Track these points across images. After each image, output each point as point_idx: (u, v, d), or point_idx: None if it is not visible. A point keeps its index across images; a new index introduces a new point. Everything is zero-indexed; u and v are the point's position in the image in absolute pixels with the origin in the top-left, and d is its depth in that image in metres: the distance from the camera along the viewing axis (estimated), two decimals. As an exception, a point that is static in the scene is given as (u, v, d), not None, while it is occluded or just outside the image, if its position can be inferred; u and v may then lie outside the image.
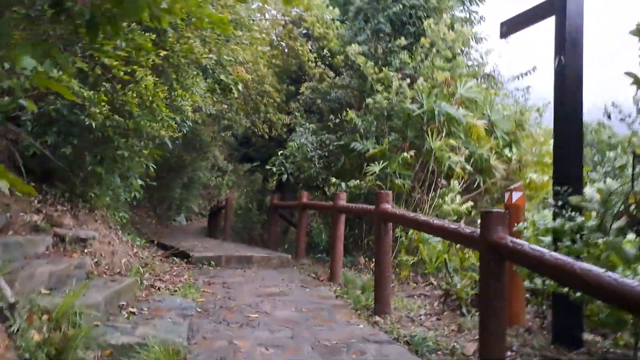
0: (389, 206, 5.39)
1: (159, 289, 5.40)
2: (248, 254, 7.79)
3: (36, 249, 4.68)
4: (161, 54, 6.15)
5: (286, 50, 14.26)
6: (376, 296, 5.20)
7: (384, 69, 8.94)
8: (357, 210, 6.57)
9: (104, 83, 5.46)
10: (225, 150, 18.68)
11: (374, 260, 5.85)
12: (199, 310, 4.71)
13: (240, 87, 7.69)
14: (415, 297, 6.06)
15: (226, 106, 12.90)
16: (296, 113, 12.43)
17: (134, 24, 6.08)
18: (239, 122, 13.15)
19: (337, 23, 13.50)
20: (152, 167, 7.56)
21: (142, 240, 8.18)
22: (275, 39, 13.71)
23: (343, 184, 8.28)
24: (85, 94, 5.29)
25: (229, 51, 7.88)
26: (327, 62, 12.91)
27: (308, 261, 8.52)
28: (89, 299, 3.86)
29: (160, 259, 7.46)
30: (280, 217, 11.27)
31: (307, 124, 10.61)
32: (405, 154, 7.86)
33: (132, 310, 4.34)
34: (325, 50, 13.14)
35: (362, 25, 9.94)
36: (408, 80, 8.27)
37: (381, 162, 8.00)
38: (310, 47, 14.34)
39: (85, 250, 5.11)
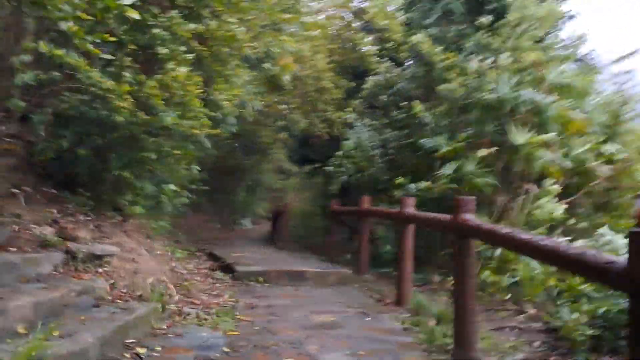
0: (471, 217, 4.07)
1: (187, 316, 4.40)
2: (301, 269, 6.68)
3: (38, 270, 3.81)
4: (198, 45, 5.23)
5: (346, 44, 13.13)
6: (456, 333, 3.90)
7: (454, 55, 7.55)
8: (428, 221, 5.25)
9: (123, 73, 4.56)
10: (285, 152, 17.82)
11: (452, 285, 4.55)
12: (226, 350, 3.62)
13: (288, 77, 6.58)
14: (507, 330, 4.66)
15: (285, 105, 11.96)
16: (354, 109, 11.25)
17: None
18: (296, 121, 12.15)
19: (401, 12, 12.19)
20: (197, 169, 6.68)
21: (185, 252, 7.33)
22: (334, 31, 12.59)
23: (412, 186, 6.96)
24: (108, 84, 4.42)
25: (278, 41, 6.84)
26: (390, 56, 11.64)
27: (371, 276, 7.28)
28: (74, 342, 2.88)
29: (204, 274, 6.54)
30: (341, 223, 10.11)
31: (365, 119, 9.38)
32: (484, 151, 6.43)
33: (139, 351, 3.33)
34: (389, 44, 11.89)
35: (430, 6, 8.57)
36: (489, 61, 6.82)
37: (456, 161, 6.62)
38: (372, 41, 13.15)
39: (100, 270, 4.21)
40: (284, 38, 6.57)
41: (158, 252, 5.80)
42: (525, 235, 3.31)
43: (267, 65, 6.45)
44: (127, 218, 5.57)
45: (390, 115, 9.16)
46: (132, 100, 4.57)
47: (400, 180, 6.95)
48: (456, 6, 8.06)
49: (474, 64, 6.79)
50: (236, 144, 15.27)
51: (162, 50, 4.67)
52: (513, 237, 3.39)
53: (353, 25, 13.10)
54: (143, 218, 6.30)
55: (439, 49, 7.76)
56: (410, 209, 5.71)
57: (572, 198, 6.84)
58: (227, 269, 6.79)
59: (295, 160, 16.22)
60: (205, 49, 5.26)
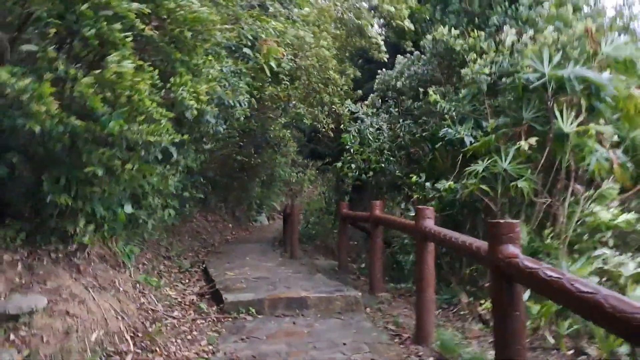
0: (515, 250, 2.76)
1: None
2: (302, 294, 5.43)
3: None
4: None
5: (351, 28, 11.73)
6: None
7: (475, 34, 6.15)
8: (454, 245, 3.91)
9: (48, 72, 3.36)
10: (292, 155, 16.55)
11: (492, 326, 3.28)
12: None
13: (273, 64, 5.28)
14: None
15: (290, 97, 10.67)
16: (361, 99, 9.92)
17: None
18: (301, 115, 10.88)
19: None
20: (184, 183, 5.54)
21: (172, 275, 6.19)
22: (339, 12, 11.21)
23: (428, 184, 5.64)
24: (21, 84, 3.25)
25: (263, 22, 5.55)
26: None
27: (387, 296, 6.02)
28: None
29: (188, 305, 5.38)
30: (355, 225, 8.86)
31: (372, 110, 8.04)
32: (522, 143, 5.07)
33: None
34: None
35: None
36: (528, 34, 5.41)
37: (486, 157, 5.27)
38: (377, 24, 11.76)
39: (13, 336, 3.06)
40: (265, 19, 5.26)
41: (125, 287, 4.65)
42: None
43: (247, 50, 5.17)
44: (82, 248, 4.42)
45: (403, 103, 7.81)
46: (58, 103, 3.39)
47: (414, 178, 5.60)
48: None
49: (508, 38, 5.38)
50: (243, 141, 14.17)
51: (87, 32, 3.45)
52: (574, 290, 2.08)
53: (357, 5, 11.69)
54: (114, 241, 5.18)
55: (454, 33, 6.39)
56: (429, 221, 4.42)
57: (625, 195, 5.43)
58: (216, 296, 5.61)
59: (305, 155, 14.95)
60: (159, 33, 4.02)
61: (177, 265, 7.33)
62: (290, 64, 8.52)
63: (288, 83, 9.73)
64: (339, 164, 7.64)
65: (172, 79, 4.07)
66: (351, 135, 7.11)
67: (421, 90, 7.27)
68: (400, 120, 7.48)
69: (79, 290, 3.79)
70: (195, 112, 4.29)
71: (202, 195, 8.64)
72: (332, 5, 11.44)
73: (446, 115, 6.08)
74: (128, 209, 4.27)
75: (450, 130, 6.03)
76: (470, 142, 5.78)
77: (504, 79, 5.85)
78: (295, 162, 19.80)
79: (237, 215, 19.70)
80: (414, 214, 5.21)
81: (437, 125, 6.64)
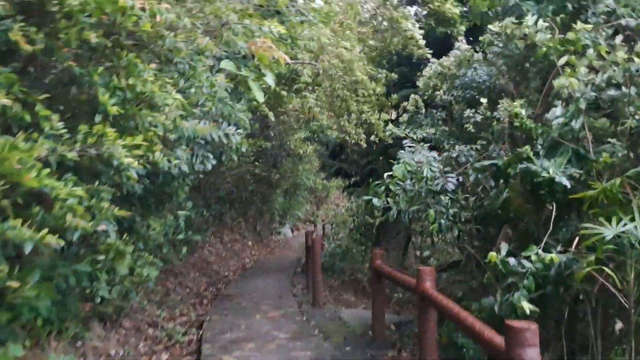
0: None
1: None
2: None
3: None
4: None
5: (384, 23, 9.78)
6: None
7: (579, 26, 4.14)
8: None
9: None
10: (316, 162, 14.67)
11: None
12: None
13: (268, 73, 3.39)
14: None
15: (312, 106, 8.83)
16: (404, 111, 7.99)
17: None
18: (325, 127, 9.04)
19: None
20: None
21: (159, 348, 4.45)
22: (368, 9, 9.29)
23: (512, 260, 3.65)
24: None
25: (257, 23, 3.72)
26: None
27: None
28: None
29: None
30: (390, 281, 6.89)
31: (417, 130, 6.04)
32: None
33: None
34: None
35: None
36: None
37: (617, 211, 3.28)
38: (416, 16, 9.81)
39: None
40: (261, 21, 3.39)
41: None
42: None
43: (226, 64, 3.31)
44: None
45: (457, 119, 5.86)
46: None
47: (493, 255, 3.59)
48: None
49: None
50: (259, 158, 12.45)
51: None
52: None
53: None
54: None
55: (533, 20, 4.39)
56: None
57: None
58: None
59: (328, 174, 13.00)
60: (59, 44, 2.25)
61: (165, 335, 5.63)
62: (298, 68, 6.75)
63: (306, 91, 7.94)
64: (375, 200, 5.74)
65: (85, 126, 2.29)
66: (404, 167, 5.11)
67: (482, 100, 5.31)
68: (452, 142, 5.51)
69: None
70: (135, 176, 2.52)
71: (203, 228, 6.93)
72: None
73: (535, 142, 4.12)
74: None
75: (533, 165, 4.08)
76: (571, 185, 3.83)
77: (612, 92, 3.87)
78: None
79: (259, 230, 18.05)
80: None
81: (509, 153, 4.69)
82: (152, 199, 5.28)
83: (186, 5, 3.16)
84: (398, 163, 5.48)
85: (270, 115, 7.69)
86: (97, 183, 2.62)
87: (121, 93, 2.66)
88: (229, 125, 4.18)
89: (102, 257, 3.31)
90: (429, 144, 5.85)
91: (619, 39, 3.86)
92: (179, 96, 2.91)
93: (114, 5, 2.49)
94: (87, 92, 2.64)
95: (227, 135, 3.93)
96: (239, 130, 3.96)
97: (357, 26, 9.21)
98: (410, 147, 5.12)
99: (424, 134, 6.23)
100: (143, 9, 2.52)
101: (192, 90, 3.56)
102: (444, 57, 6.52)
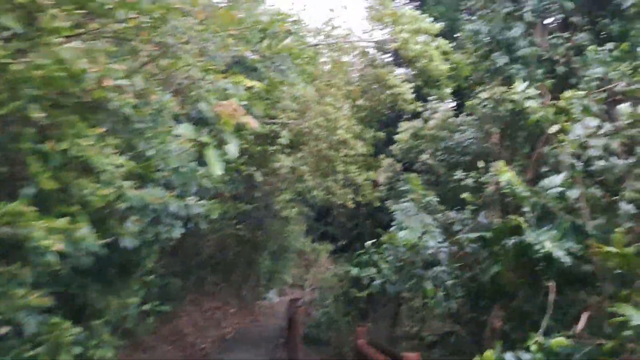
0: None
1: None
2: None
3: None
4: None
5: (373, 85, 9.76)
6: None
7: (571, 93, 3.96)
8: None
9: None
10: (301, 224, 14.26)
11: None
12: None
13: (230, 140, 3.07)
14: None
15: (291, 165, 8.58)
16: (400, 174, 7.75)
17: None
18: (309, 188, 8.74)
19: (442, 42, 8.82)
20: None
21: None
22: (357, 69, 9.29)
23: (509, 356, 3.19)
24: None
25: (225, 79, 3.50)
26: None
27: None
28: None
29: None
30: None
31: (411, 190, 5.72)
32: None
33: None
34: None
35: (510, 8, 5.02)
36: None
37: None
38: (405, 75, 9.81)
39: None
40: (213, 74, 3.15)
41: None
42: None
43: (184, 129, 3.02)
44: None
45: (442, 181, 5.58)
46: None
47: (488, 356, 3.10)
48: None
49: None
50: (243, 218, 12.03)
51: None
52: None
53: (378, 59, 9.80)
54: None
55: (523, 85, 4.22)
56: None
57: None
58: None
59: (314, 238, 12.55)
60: None
61: None
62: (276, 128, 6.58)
63: (285, 152, 7.72)
64: (355, 271, 5.35)
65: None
66: (405, 235, 4.72)
67: (466, 164, 5.04)
68: (441, 208, 5.18)
69: None
70: (56, 260, 2.14)
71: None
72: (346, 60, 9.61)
73: (525, 212, 3.80)
74: None
75: (527, 238, 3.73)
76: (569, 261, 3.47)
77: (609, 161, 3.61)
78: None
79: (244, 294, 17.22)
80: None
81: (503, 224, 4.35)
82: (114, 270, 4.84)
83: (138, 60, 2.91)
84: (395, 227, 5.12)
85: (257, 175, 7.44)
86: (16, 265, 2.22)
87: (54, 159, 2.32)
88: (193, 191, 3.86)
89: (30, 353, 2.82)
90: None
91: (618, 107, 3.66)
92: (122, 160, 2.58)
93: (65, 72, 2.21)
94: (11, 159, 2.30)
95: (187, 207, 3.58)
96: (201, 202, 3.61)
97: (345, 85, 9.17)
98: (404, 210, 4.77)
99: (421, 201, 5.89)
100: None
101: (150, 153, 3.25)
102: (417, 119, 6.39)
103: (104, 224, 3.02)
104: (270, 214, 12.97)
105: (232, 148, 3.03)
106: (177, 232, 4.17)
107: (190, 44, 3.43)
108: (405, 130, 6.83)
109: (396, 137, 7.04)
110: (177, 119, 3.59)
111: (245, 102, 3.60)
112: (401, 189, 5.81)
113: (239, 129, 3.12)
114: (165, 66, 3.23)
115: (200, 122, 3.62)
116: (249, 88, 3.83)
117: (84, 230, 2.25)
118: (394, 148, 6.81)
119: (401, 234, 5.01)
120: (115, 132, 2.93)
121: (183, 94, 3.59)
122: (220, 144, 3.13)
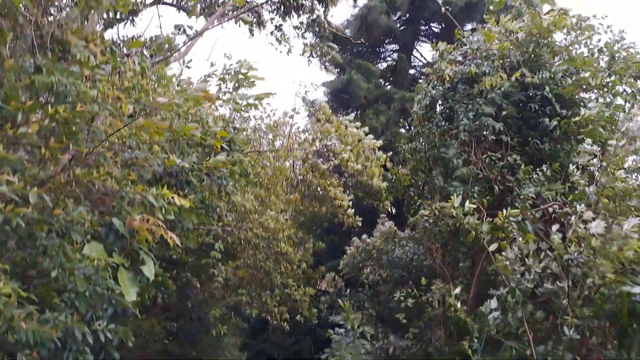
0: None
1: None
2: None
3: None
4: None
5: (317, 190, 9.79)
6: None
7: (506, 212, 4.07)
8: None
9: None
10: (236, 341, 13.32)
11: None
12: None
13: (149, 270, 2.80)
14: None
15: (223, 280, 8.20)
16: (334, 284, 7.50)
17: None
18: (243, 303, 8.27)
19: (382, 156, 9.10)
20: None
21: None
22: (294, 175, 9.36)
23: None
24: None
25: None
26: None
27: None
28: None
29: None
30: None
31: (354, 318, 5.42)
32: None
33: None
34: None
35: (444, 127, 5.30)
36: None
37: None
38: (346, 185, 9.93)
39: None
40: (140, 189, 2.97)
41: None
42: None
43: (91, 248, 2.76)
44: None
45: (384, 301, 5.38)
46: None
47: None
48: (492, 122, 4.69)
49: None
50: (172, 335, 11.03)
51: None
52: None
53: (321, 166, 9.96)
54: None
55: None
56: None
57: None
58: None
59: (251, 354, 11.67)
60: None
61: None
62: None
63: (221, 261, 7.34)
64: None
65: None
66: None
67: (409, 281, 4.92)
68: (382, 332, 4.91)
69: None
70: None
71: None
72: (288, 166, 9.68)
73: (474, 335, 3.62)
74: None
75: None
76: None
77: (549, 285, 3.61)
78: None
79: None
80: None
81: (444, 343, 4.15)
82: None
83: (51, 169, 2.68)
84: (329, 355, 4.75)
85: (194, 280, 7.02)
86: None
87: None
88: (109, 313, 3.43)
89: None
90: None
91: (554, 227, 3.73)
92: (10, 287, 2.22)
93: None
94: None
95: (95, 332, 3.14)
96: (111, 326, 3.18)
97: (286, 190, 9.12)
98: (339, 338, 4.45)
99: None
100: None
101: (54, 274, 2.88)
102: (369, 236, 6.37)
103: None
104: (203, 328, 12.04)
105: (148, 270, 2.73)
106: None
107: (111, 151, 3.26)
108: (354, 244, 6.78)
109: (345, 253, 6.95)
110: (93, 234, 3.28)
111: (172, 217, 3.39)
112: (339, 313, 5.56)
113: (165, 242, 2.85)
114: (81, 175, 3.00)
115: (118, 238, 3.32)
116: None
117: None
118: (341, 263, 6.69)
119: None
120: (9, 251, 2.59)
121: (103, 207, 3.34)
122: (137, 263, 2.84)
